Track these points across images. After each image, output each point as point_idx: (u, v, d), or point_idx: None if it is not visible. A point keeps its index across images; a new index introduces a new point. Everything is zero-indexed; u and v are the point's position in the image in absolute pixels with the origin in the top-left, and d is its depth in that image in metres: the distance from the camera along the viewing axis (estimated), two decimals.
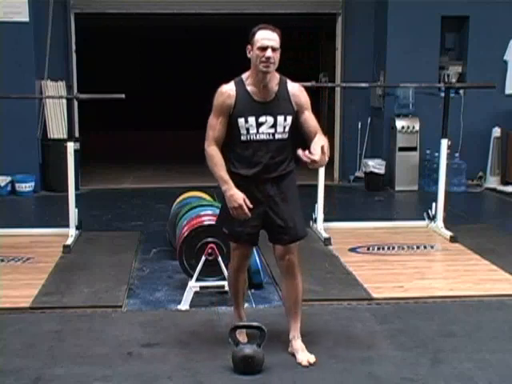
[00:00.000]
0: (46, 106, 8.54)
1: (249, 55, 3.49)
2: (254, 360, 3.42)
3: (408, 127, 8.70)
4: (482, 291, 4.71)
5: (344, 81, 9.05)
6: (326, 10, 9.26)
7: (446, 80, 8.32)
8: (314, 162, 3.29)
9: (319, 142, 3.38)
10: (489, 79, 7.89)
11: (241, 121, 3.47)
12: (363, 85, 7.80)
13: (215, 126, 3.50)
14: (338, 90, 9.24)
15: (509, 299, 4.56)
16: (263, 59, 3.40)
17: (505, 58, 8.92)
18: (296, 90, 3.57)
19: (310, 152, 3.31)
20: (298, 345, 3.63)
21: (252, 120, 3.47)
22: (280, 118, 3.49)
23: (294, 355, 3.61)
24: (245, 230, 3.53)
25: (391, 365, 3.54)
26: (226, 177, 3.45)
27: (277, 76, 3.53)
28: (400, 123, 8.71)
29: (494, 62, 8.84)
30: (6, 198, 8.19)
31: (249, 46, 3.48)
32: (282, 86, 3.54)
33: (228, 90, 3.50)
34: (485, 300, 4.56)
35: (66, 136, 7.78)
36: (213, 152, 3.49)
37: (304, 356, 3.56)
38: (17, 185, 8.34)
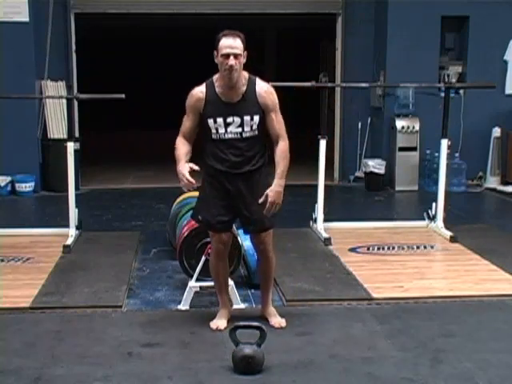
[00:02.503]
0: (46, 106, 8.54)
1: (216, 60, 3.73)
2: (254, 360, 3.42)
3: (408, 127, 8.70)
4: (482, 291, 4.71)
5: (344, 81, 9.05)
6: (326, 10, 9.26)
7: (446, 80, 8.31)
8: (271, 204, 3.73)
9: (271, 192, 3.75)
10: (489, 79, 7.89)
11: (210, 121, 3.76)
12: (363, 85, 7.80)
13: (185, 123, 3.86)
14: (338, 90, 9.24)
15: (509, 299, 4.56)
16: (226, 67, 3.64)
17: (505, 57, 8.92)
18: (263, 91, 3.77)
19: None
20: (270, 310, 4.09)
21: (220, 121, 3.74)
22: (246, 118, 3.73)
23: (266, 319, 4.03)
24: (216, 218, 3.85)
25: (391, 365, 3.54)
26: (181, 156, 3.77)
27: (245, 76, 3.75)
28: (400, 123, 8.71)
29: (493, 62, 8.85)
30: (6, 198, 8.19)
31: (215, 52, 3.72)
32: (250, 86, 3.75)
33: (198, 92, 3.79)
34: (485, 300, 4.56)
35: (66, 136, 7.79)
36: (178, 142, 3.85)
37: (276, 320, 4.02)
38: (17, 185, 8.34)
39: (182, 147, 3.82)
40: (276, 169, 3.77)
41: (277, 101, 3.80)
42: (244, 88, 3.73)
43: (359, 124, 9.26)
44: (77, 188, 6.62)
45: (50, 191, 8.42)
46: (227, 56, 3.63)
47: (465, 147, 8.81)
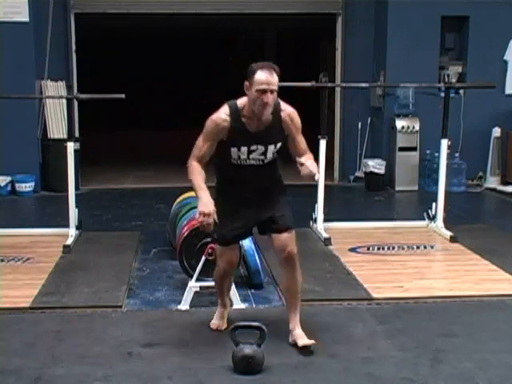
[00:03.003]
0: (46, 106, 8.54)
1: (246, 91, 3.50)
2: (254, 360, 3.42)
3: (408, 127, 8.70)
4: (482, 291, 4.71)
5: (344, 81, 9.05)
6: (326, 10, 9.26)
7: (446, 80, 8.31)
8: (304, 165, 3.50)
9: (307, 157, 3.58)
10: (489, 79, 7.89)
11: (233, 150, 3.58)
12: (363, 85, 7.80)
13: (201, 147, 3.59)
14: (338, 90, 9.24)
15: (509, 299, 4.56)
16: (261, 103, 3.44)
17: (505, 57, 8.92)
18: (288, 117, 3.61)
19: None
20: (298, 333, 3.72)
21: (244, 149, 3.58)
22: (271, 147, 3.61)
23: (294, 345, 3.68)
24: (232, 232, 3.69)
25: (391, 365, 3.54)
26: (203, 185, 3.54)
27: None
28: (400, 123, 8.71)
29: (494, 62, 8.85)
30: (6, 198, 8.19)
31: (247, 83, 3.48)
32: (275, 112, 3.56)
33: (222, 121, 3.53)
34: (485, 300, 4.56)
35: (66, 136, 7.78)
36: (193, 165, 3.60)
37: (304, 341, 3.66)
38: (17, 185, 8.34)
39: (198, 171, 3.58)
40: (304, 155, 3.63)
41: (300, 123, 3.67)
42: (270, 116, 3.54)
43: (359, 124, 9.26)
44: (77, 188, 6.62)
45: (50, 191, 8.42)
46: (264, 92, 3.42)
47: (465, 147, 8.81)
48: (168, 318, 4.25)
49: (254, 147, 3.57)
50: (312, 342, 3.64)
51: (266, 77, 3.42)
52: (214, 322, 4.01)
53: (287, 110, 3.63)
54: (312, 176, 3.52)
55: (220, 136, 3.55)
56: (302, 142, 3.69)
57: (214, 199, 3.65)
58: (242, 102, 3.57)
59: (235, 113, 3.55)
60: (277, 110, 3.57)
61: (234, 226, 3.66)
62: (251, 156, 3.59)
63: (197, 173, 3.58)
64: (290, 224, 3.72)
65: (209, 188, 3.57)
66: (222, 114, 3.55)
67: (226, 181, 3.71)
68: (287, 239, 3.67)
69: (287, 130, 3.62)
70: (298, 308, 3.75)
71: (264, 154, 3.61)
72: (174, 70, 15.09)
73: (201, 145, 3.59)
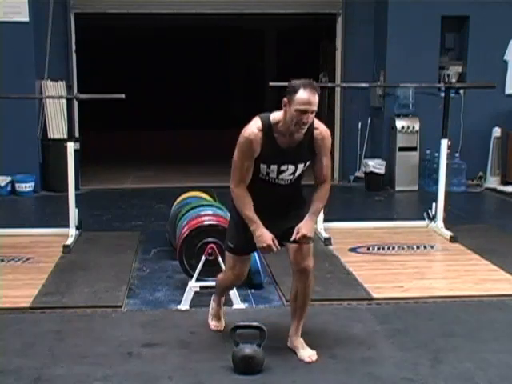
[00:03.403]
0: (46, 106, 8.54)
1: (284, 107, 3.37)
2: (254, 360, 3.42)
3: (408, 127, 8.70)
4: (482, 291, 4.71)
5: (344, 81, 9.05)
6: (326, 10, 9.27)
7: (446, 80, 8.32)
8: (303, 237, 3.47)
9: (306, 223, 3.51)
10: (489, 79, 7.88)
11: (263, 166, 3.47)
12: (363, 85, 7.80)
13: (241, 168, 3.45)
14: (338, 90, 9.24)
15: (509, 299, 4.56)
16: (300, 123, 3.32)
17: (505, 57, 8.92)
18: (321, 137, 3.50)
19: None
20: (298, 342, 3.68)
21: (274, 167, 3.47)
22: (300, 166, 3.51)
23: (293, 350, 3.67)
24: (249, 245, 3.57)
25: (391, 365, 3.54)
26: (255, 217, 3.45)
27: None
28: (400, 123, 8.71)
29: (493, 61, 8.85)
30: (6, 198, 8.19)
31: (285, 99, 3.35)
32: (308, 130, 3.43)
33: (254, 136, 3.39)
34: (485, 300, 4.56)
35: (66, 136, 7.78)
36: (240, 192, 3.48)
37: (305, 353, 3.62)
38: (17, 185, 8.34)
39: (247, 200, 3.46)
40: (311, 205, 3.55)
41: (330, 144, 3.57)
42: (302, 134, 3.42)
43: (359, 124, 9.26)
44: (77, 188, 6.62)
45: (50, 191, 8.42)
46: (304, 112, 3.29)
47: (465, 147, 8.82)
48: (168, 317, 4.25)
49: (284, 167, 3.47)
50: (314, 356, 3.60)
51: (308, 96, 3.29)
52: (213, 324, 3.99)
53: (320, 129, 3.51)
54: (305, 239, 3.51)
55: (254, 152, 3.41)
56: (327, 166, 3.57)
57: (231, 208, 3.65)
58: (275, 116, 3.44)
59: (267, 127, 3.42)
60: (310, 128, 3.44)
61: (250, 237, 3.50)
62: (281, 176, 3.50)
63: (245, 202, 3.47)
64: (309, 234, 3.57)
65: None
66: (255, 128, 3.42)
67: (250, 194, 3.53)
68: (305, 253, 3.57)
69: (317, 149, 3.50)
70: (303, 317, 3.71)
71: (293, 173, 3.51)
72: (173, 69, 15.08)
73: (240, 165, 3.45)
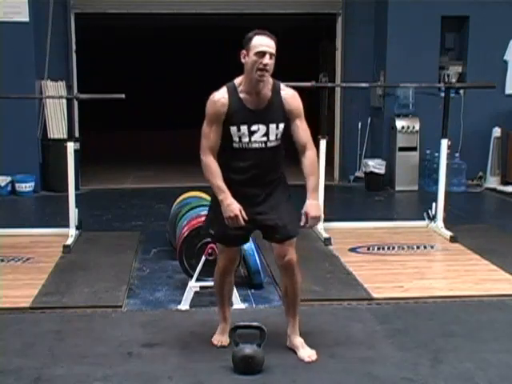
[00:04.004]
0: (46, 106, 8.54)
1: (243, 60, 3.42)
2: (254, 360, 3.42)
3: (408, 127, 8.70)
4: (482, 291, 4.71)
5: (344, 81, 9.05)
6: (326, 10, 9.27)
7: (446, 80, 8.32)
8: (313, 219, 3.50)
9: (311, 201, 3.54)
10: (489, 79, 7.88)
11: (233, 129, 3.44)
12: (363, 85, 7.80)
13: (209, 134, 3.46)
14: (338, 89, 9.25)
15: (509, 299, 4.56)
16: (260, 66, 3.34)
17: (505, 57, 8.93)
18: (289, 96, 3.50)
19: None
20: (297, 341, 3.68)
21: (244, 128, 3.44)
22: (272, 126, 3.46)
23: (292, 350, 3.67)
24: (233, 232, 3.51)
25: (391, 365, 3.54)
26: (223, 186, 3.43)
27: (270, 81, 3.47)
28: (400, 123, 8.71)
29: (493, 61, 8.85)
30: (6, 198, 8.20)
31: (243, 51, 3.41)
32: (276, 91, 3.47)
33: (220, 97, 3.44)
34: (485, 300, 4.56)
35: (66, 136, 7.78)
36: (209, 161, 3.46)
37: (305, 352, 3.61)
38: (17, 185, 8.34)
39: (216, 170, 3.43)
40: (307, 183, 3.53)
41: (302, 107, 3.51)
42: (270, 94, 3.44)
43: (359, 124, 9.27)
44: (77, 188, 6.62)
45: (50, 191, 8.42)
46: (263, 54, 3.32)
47: (465, 147, 8.82)
48: (168, 317, 4.25)
49: (254, 127, 3.43)
50: (314, 355, 3.60)
51: (265, 41, 3.36)
52: (216, 338, 3.84)
53: (287, 90, 3.52)
54: (315, 220, 3.53)
55: (221, 115, 3.41)
56: (303, 129, 3.52)
57: (212, 195, 3.59)
58: (238, 79, 3.49)
59: (232, 89, 3.45)
60: (277, 89, 3.48)
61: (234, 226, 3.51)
62: (253, 138, 3.44)
63: (213, 171, 3.44)
64: (292, 233, 3.59)
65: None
66: (220, 91, 3.47)
67: (227, 171, 3.48)
68: (287, 248, 3.58)
69: (288, 111, 3.47)
70: (297, 313, 3.71)
71: (266, 134, 3.45)
72: (174, 69, 15.08)
73: (207, 131, 3.46)
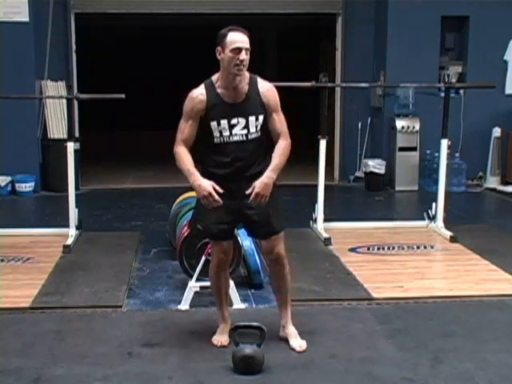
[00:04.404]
0: (46, 106, 8.54)
1: (219, 57, 3.52)
2: (254, 360, 3.42)
3: (408, 127, 8.70)
4: (482, 291, 4.71)
5: (344, 81, 9.05)
6: (326, 10, 9.27)
7: (446, 80, 8.31)
8: (256, 196, 3.48)
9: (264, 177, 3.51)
10: (489, 79, 7.88)
11: (213, 124, 3.52)
12: (363, 85, 7.80)
13: (184, 129, 3.56)
14: (338, 90, 9.24)
15: (509, 299, 4.56)
16: (237, 62, 3.43)
17: (505, 57, 8.93)
18: (266, 89, 3.59)
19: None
20: (291, 331, 3.79)
21: (224, 123, 3.52)
22: (252, 119, 3.54)
23: (286, 340, 3.76)
24: (219, 227, 3.61)
25: (391, 365, 3.54)
26: (193, 169, 3.53)
27: (247, 75, 3.56)
28: (400, 123, 8.71)
29: (493, 61, 8.85)
30: (6, 198, 8.19)
31: (219, 48, 3.51)
32: (252, 85, 3.57)
33: (198, 94, 3.54)
34: (485, 300, 4.56)
35: (66, 136, 7.77)
36: (179, 150, 3.56)
37: (297, 342, 3.73)
38: (17, 185, 8.34)
39: (187, 157, 3.54)
40: (271, 161, 3.55)
41: (278, 100, 3.64)
42: (247, 87, 3.54)
43: (359, 124, 9.26)
44: (77, 188, 6.62)
45: (50, 191, 8.42)
46: (239, 50, 3.43)
47: (465, 147, 8.82)
48: (168, 317, 4.25)
49: (234, 120, 3.51)
50: (304, 345, 3.71)
51: (239, 37, 3.45)
52: (216, 338, 3.84)
53: (264, 83, 3.62)
54: (259, 198, 3.50)
55: (199, 112, 3.52)
56: (280, 121, 3.61)
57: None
58: (215, 75, 3.60)
59: (210, 86, 3.56)
60: (254, 83, 3.57)
61: (219, 219, 3.58)
62: (233, 131, 3.52)
63: (184, 157, 3.55)
64: (277, 229, 3.66)
65: None
66: (198, 88, 3.58)
67: (210, 167, 3.60)
68: (274, 242, 3.66)
69: (266, 103, 3.56)
70: (289, 304, 3.83)
71: (246, 127, 3.53)
72: (174, 69, 15.08)
73: (183, 127, 3.57)
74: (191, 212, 5.05)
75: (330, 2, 9.21)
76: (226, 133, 3.53)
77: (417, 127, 8.70)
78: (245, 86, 3.55)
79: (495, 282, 4.93)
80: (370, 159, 8.89)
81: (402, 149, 8.74)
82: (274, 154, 3.59)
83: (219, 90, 3.54)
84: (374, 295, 4.60)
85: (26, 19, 8.25)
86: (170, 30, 13.45)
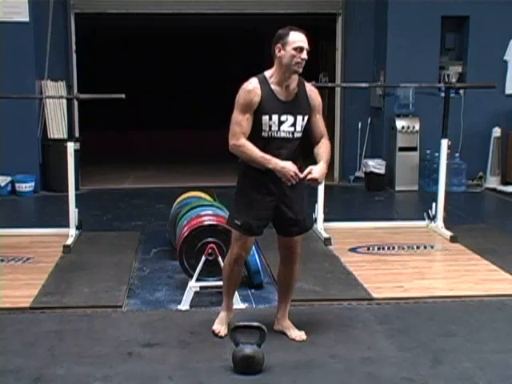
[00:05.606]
0: (46, 106, 8.54)
1: (278, 54, 3.61)
2: (254, 360, 3.42)
3: (408, 127, 8.70)
4: (482, 291, 4.71)
5: (344, 81, 9.05)
6: (326, 9, 9.27)
7: (446, 80, 8.32)
8: (313, 180, 3.57)
9: (321, 159, 3.65)
10: (489, 79, 7.88)
11: (265, 118, 3.59)
12: (363, 85, 7.80)
13: (241, 122, 3.57)
14: (338, 89, 9.24)
15: (509, 299, 4.56)
16: (299, 60, 3.55)
17: (505, 57, 8.93)
18: (313, 91, 3.74)
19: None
20: (287, 323, 3.93)
21: (275, 118, 3.59)
22: (299, 118, 3.65)
23: (282, 333, 3.88)
24: (258, 223, 3.68)
25: (391, 365, 3.54)
26: (267, 156, 3.54)
27: (296, 76, 3.66)
28: (400, 123, 8.71)
29: (493, 61, 8.85)
30: (6, 198, 8.19)
31: (279, 45, 3.62)
32: (301, 86, 3.69)
33: (254, 87, 3.59)
34: (485, 300, 4.56)
35: (66, 136, 7.79)
36: (243, 142, 3.56)
37: (295, 333, 3.85)
38: (17, 185, 8.34)
39: (253, 147, 3.54)
40: (321, 156, 3.66)
41: (321, 101, 3.79)
42: (296, 87, 3.66)
43: (359, 124, 9.26)
44: (77, 188, 6.62)
45: (50, 191, 8.42)
46: (301, 49, 3.55)
47: (465, 147, 8.82)
48: (168, 317, 4.25)
49: (284, 117, 3.60)
50: (303, 335, 3.83)
51: (301, 35, 3.58)
52: (216, 326, 3.91)
53: (310, 86, 3.77)
54: (315, 182, 3.61)
55: (255, 105, 3.57)
56: (321, 121, 3.77)
57: (237, 187, 3.72)
58: (269, 71, 3.68)
59: (264, 81, 3.63)
60: (302, 84, 3.69)
61: (259, 216, 3.66)
62: (281, 127, 3.61)
63: (252, 148, 3.55)
64: (309, 226, 3.86)
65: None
66: (253, 81, 3.63)
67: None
68: (297, 240, 3.81)
69: (312, 104, 3.70)
70: (290, 299, 3.98)
71: (293, 125, 3.63)
72: (174, 69, 15.10)
73: (240, 119, 3.57)
74: (191, 212, 5.09)
75: (330, 2, 9.21)
76: (275, 128, 3.61)
77: (417, 127, 8.70)
78: (295, 86, 3.66)
79: (495, 281, 4.93)
80: (370, 159, 8.89)
81: (402, 149, 8.74)
82: (321, 151, 3.71)
83: (273, 86, 3.63)
84: (374, 295, 4.60)
85: (26, 19, 8.25)
86: (170, 30, 13.46)
